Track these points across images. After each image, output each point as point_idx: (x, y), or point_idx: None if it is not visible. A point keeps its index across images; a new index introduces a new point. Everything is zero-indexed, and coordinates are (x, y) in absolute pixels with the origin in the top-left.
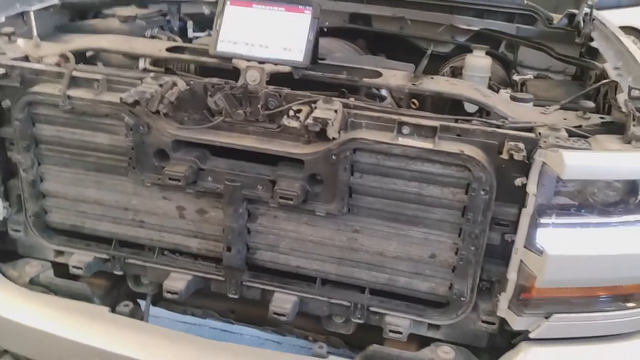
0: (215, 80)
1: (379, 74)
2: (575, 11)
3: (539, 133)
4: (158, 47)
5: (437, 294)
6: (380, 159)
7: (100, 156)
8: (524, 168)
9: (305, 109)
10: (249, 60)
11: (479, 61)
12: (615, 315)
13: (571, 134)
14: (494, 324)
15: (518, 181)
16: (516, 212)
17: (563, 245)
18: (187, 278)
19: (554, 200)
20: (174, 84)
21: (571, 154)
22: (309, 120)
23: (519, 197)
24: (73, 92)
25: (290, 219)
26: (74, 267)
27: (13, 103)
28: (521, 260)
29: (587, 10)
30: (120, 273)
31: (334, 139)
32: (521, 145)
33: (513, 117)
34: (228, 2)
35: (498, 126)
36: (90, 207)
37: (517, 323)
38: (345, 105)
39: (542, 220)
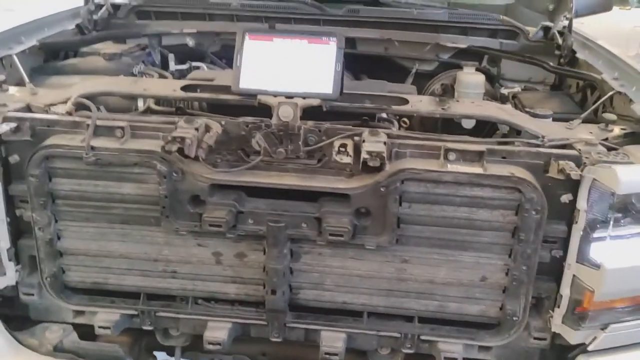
0: (250, 119)
1: (405, 101)
2: (550, 24)
3: (579, 149)
4: (171, 86)
5: (488, 315)
6: (430, 187)
7: (127, 207)
8: (570, 185)
9: (348, 142)
10: (275, 95)
11: (472, 78)
12: None
13: (606, 148)
14: (545, 339)
15: (564, 198)
16: (564, 229)
17: (618, 258)
18: (227, 326)
19: (607, 214)
20: (209, 127)
21: (624, 169)
22: (365, 155)
23: (565, 213)
24: (96, 142)
25: (336, 254)
26: (100, 327)
27: (23, 158)
28: (574, 275)
29: (565, 22)
30: (150, 328)
31: (382, 170)
32: (572, 163)
33: (545, 135)
34: (247, 37)
35: (538, 145)
36: (114, 262)
37: (574, 337)
38: (389, 135)
39: (595, 235)
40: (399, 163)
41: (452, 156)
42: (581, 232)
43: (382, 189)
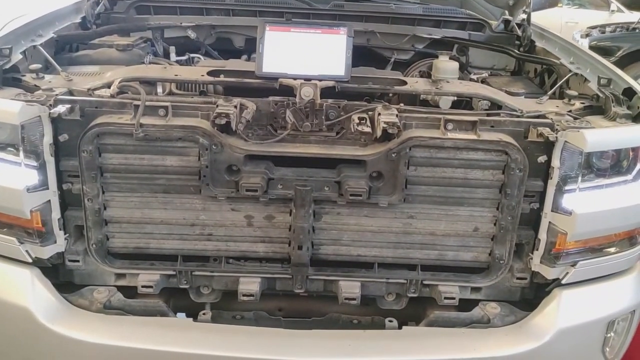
0: (278, 98)
1: (403, 82)
2: (510, 17)
3: (552, 119)
4: (198, 72)
5: (479, 260)
6: (433, 152)
7: (169, 178)
8: (545, 148)
9: (364, 116)
10: (295, 78)
11: (448, 65)
12: (620, 256)
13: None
14: (525, 279)
15: (541, 159)
16: (540, 184)
17: (585, 205)
18: (257, 280)
19: (576, 170)
20: (244, 105)
21: (590, 132)
22: (384, 125)
23: (541, 172)
24: (143, 120)
25: (352, 213)
26: (143, 286)
27: (72, 136)
28: (550, 222)
29: (523, 16)
30: (186, 286)
31: (394, 138)
32: (548, 129)
33: (522, 109)
34: (267, 28)
35: (518, 116)
36: (156, 228)
37: (550, 273)
38: (398, 110)
39: (566, 187)
40: (407, 132)
41: (450, 126)
42: (555, 186)
43: (393, 155)
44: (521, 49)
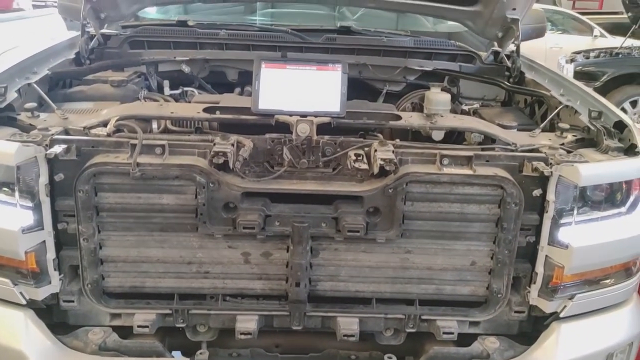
0: (274, 135)
1: (398, 117)
2: (499, 49)
3: (545, 152)
4: (194, 109)
5: (477, 294)
6: (429, 187)
7: (166, 216)
8: (540, 182)
9: (361, 152)
10: (291, 115)
11: (440, 97)
12: (617, 288)
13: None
14: (523, 312)
15: (536, 192)
16: (536, 218)
17: (581, 238)
18: (255, 318)
19: (571, 203)
20: (241, 143)
21: (584, 166)
22: (381, 162)
23: (536, 205)
24: (140, 159)
25: (349, 249)
26: (139, 326)
27: (68, 176)
28: (546, 256)
29: (513, 47)
30: (182, 325)
31: (389, 175)
32: (542, 163)
33: (515, 142)
34: (263, 65)
35: (512, 150)
36: (152, 267)
37: (548, 307)
38: (394, 145)
39: (562, 221)
40: (403, 168)
41: (445, 161)
42: (551, 220)
43: (390, 191)
44: (511, 80)
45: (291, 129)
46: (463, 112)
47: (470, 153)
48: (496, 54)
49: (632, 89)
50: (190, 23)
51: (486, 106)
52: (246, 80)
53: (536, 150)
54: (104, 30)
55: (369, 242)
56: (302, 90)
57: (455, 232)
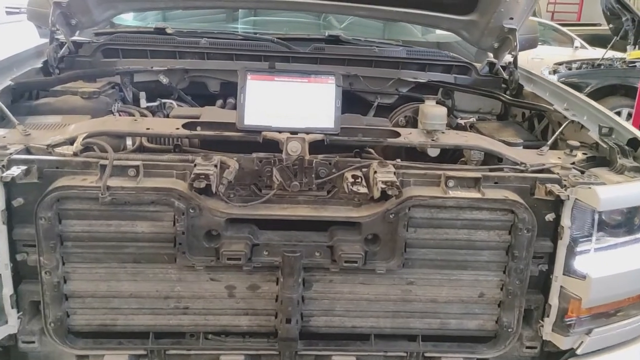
0: (262, 154)
1: (396, 133)
2: (495, 60)
3: (558, 173)
4: (172, 125)
5: (486, 329)
6: (434, 212)
7: (140, 246)
8: (553, 205)
9: (358, 173)
10: (280, 131)
11: (436, 110)
12: (637, 320)
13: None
14: (536, 347)
15: (549, 217)
16: (549, 245)
17: (601, 267)
18: (240, 358)
19: (589, 230)
20: (225, 163)
21: (603, 189)
22: (382, 185)
23: (549, 230)
24: (110, 182)
25: (346, 280)
26: None
27: (29, 201)
28: (561, 286)
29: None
30: None
31: (392, 198)
32: (557, 185)
33: (524, 162)
34: (249, 77)
35: (522, 171)
36: (124, 302)
37: (563, 343)
38: (395, 166)
39: (579, 248)
40: (406, 191)
41: (451, 183)
42: (566, 247)
43: (391, 216)
44: (507, 93)
45: (281, 147)
46: (459, 126)
47: (478, 174)
48: (491, 65)
49: (615, 100)
50: (168, 30)
51: (482, 120)
52: (228, 91)
53: (548, 170)
54: (75, 38)
55: (367, 273)
56: (292, 105)
57: (462, 261)
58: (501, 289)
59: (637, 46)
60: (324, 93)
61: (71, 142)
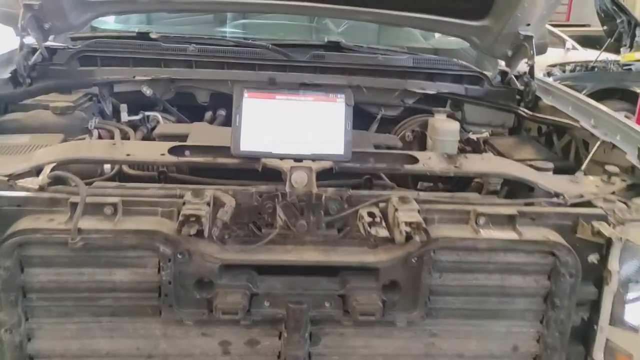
0: (263, 188)
1: (413, 159)
2: (507, 69)
3: (602, 207)
4: (157, 149)
5: None
6: (463, 255)
7: (118, 297)
8: (597, 245)
9: (376, 211)
10: (281, 158)
11: (448, 125)
12: None
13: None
14: None
15: (592, 258)
16: (593, 290)
17: None
18: None
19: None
20: (219, 200)
21: None
22: (405, 228)
23: (592, 274)
24: (83, 223)
25: (359, 334)
26: None
27: None
28: (607, 339)
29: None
30: None
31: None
32: (605, 224)
33: (560, 192)
34: (246, 94)
35: (561, 204)
36: None
37: None
38: (416, 200)
39: (629, 296)
40: (431, 231)
41: (482, 220)
42: (613, 294)
43: (414, 260)
44: (522, 105)
45: (284, 177)
46: (471, 142)
47: (513, 210)
48: (503, 74)
49: (611, 104)
50: (153, 35)
51: (497, 135)
52: (218, 103)
53: (588, 203)
54: (48, 43)
55: (384, 325)
56: (295, 127)
57: (494, 309)
58: (538, 341)
59: (631, 48)
60: (332, 113)
61: (37, 171)
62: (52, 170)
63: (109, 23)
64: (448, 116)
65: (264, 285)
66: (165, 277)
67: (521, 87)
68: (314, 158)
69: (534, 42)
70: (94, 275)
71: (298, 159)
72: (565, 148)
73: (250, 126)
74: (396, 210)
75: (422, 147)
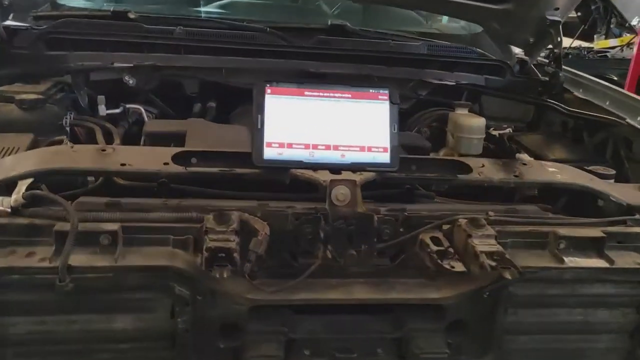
0: (300, 208)
1: (466, 166)
2: (526, 58)
3: None
4: (158, 157)
5: None
6: (543, 287)
7: (119, 349)
8: None
9: (437, 234)
10: (314, 169)
11: (474, 121)
12: None
13: None
14: None
15: None
16: None
17: None
18: None
19: None
20: (248, 225)
21: None
22: (489, 262)
23: None
24: (74, 259)
25: None
26: None
27: None
28: None
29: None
30: None
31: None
32: None
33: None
34: (268, 91)
35: None
36: None
37: None
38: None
39: None
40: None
41: (562, 244)
42: None
43: (486, 295)
44: (544, 97)
45: (321, 192)
46: (493, 138)
47: (598, 232)
48: (523, 63)
49: None
50: (131, 15)
51: (522, 132)
52: (209, 94)
53: None
54: (8, 22)
55: None
56: (329, 130)
57: (574, 349)
58: None
59: (606, 36)
60: (375, 113)
61: (8, 187)
62: (28, 187)
63: (76, 0)
64: (470, 110)
65: (303, 329)
66: (182, 323)
67: (544, 78)
68: (354, 169)
69: (560, 28)
70: (89, 324)
71: (335, 169)
72: (599, 146)
73: (274, 130)
74: (469, 236)
75: (439, 144)
